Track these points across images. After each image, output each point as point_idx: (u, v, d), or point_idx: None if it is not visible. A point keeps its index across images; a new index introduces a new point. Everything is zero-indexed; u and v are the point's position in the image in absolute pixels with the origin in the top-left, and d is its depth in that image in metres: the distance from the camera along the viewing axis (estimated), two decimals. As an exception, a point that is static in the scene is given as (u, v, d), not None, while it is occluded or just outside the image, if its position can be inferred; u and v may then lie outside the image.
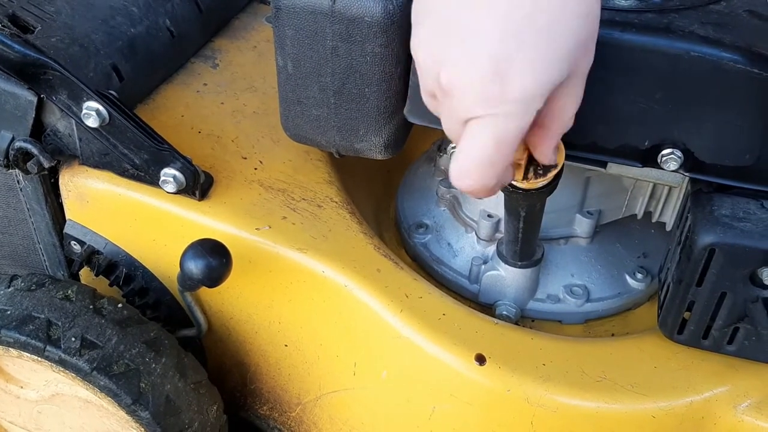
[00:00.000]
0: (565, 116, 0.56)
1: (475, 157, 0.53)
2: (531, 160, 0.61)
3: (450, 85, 0.52)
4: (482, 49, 0.50)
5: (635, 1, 0.64)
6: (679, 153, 0.66)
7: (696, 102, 0.63)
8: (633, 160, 0.68)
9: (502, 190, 0.66)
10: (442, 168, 0.94)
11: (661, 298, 0.74)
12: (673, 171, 0.67)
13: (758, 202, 0.66)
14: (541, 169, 0.61)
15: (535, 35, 0.50)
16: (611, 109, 0.65)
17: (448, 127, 0.57)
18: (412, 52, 0.57)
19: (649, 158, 0.67)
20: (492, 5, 0.50)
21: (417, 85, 0.65)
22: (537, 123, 0.56)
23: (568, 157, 0.65)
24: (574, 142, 0.67)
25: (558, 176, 0.62)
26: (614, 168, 0.70)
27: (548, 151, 0.59)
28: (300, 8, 0.70)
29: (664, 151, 0.66)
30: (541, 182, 0.61)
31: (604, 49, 0.62)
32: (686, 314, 0.70)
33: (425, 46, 0.55)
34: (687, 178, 0.70)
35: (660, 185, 0.79)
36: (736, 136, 0.64)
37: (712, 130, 0.64)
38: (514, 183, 0.62)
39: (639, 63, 0.62)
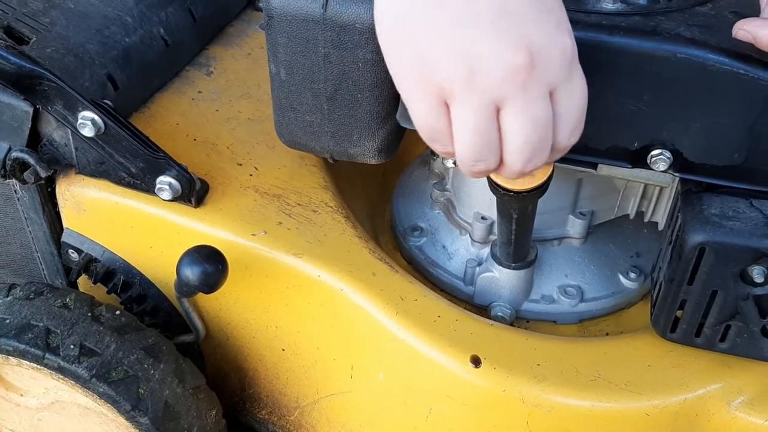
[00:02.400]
0: None
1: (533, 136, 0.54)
2: None
3: (530, 55, 0.51)
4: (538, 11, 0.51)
5: (622, 4, 0.65)
6: (668, 153, 0.67)
7: (683, 103, 0.64)
8: (623, 161, 0.69)
9: (493, 193, 0.66)
10: (437, 171, 0.95)
11: (654, 297, 0.74)
12: (662, 171, 0.68)
13: (747, 200, 0.67)
14: None
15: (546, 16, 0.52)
16: (600, 111, 0.66)
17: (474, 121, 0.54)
18: (417, 48, 0.53)
19: (638, 159, 0.68)
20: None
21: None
22: None
23: (559, 159, 0.66)
24: (565, 144, 0.67)
25: (549, 179, 0.63)
26: (605, 169, 0.71)
27: None
28: (292, 16, 0.71)
29: (654, 152, 0.67)
30: (531, 185, 0.62)
31: (591, 52, 0.63)
32: (679, 313, 0.71)
33: (443, 41, 0.52)
34: (677, 178, 0.71)
35: (651, 185, 0.80)
36: (723, 135, 0.65)
37: (700, 130, 0.65)
38: (505, 186, 0.63)
39: (626, 65, 0.63)
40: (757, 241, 0.64)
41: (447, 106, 0.54)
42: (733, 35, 0.60)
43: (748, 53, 0.61)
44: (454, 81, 0.52)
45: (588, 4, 0.65)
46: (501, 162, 0.57)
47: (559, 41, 0.52)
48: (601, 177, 0.74)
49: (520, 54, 0.50)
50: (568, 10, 0.65)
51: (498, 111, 0.53)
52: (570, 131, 0.56)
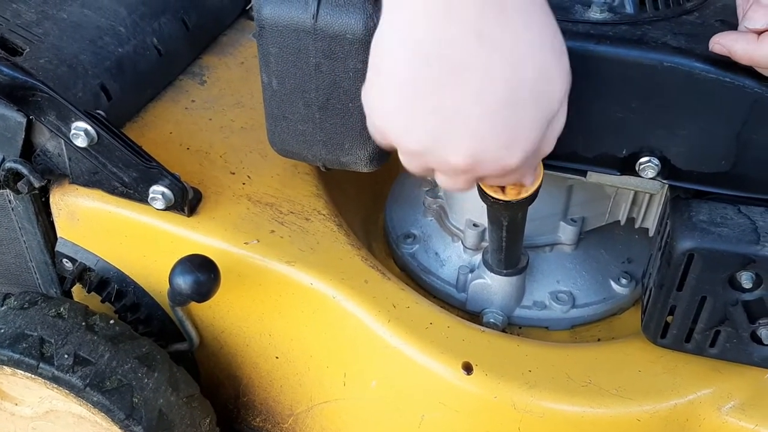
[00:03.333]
0: (550, 144, 0.58)
1: None
2: None
3: (470, 162, 0.53)
4: (493, 128, 0.52)
5: (609, 13, 0.66)
6: (656, 161, 0.67)
7: (671, 111, 0.64)
8: (612, 168, 0.69)
9: (483, 201, 0.67)
10: (429, 179, 0.96)
11: (644, 302, 0.75)
12: (650, 179, 0.68)
13: (735, 207, 0.68)
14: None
15: (527, 102, 0.52)
16: (589, 120, 0.67)
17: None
18: (394, 139, 0.55)
19: (627, 166, 0.69)
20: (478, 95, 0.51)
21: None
22: None
23: (548, 167, 0.66)
24: (554, 152, 0.68)
25: (537, 189, 0.64)
26: (594, 176, 0.72)
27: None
28: (283, 26, 0.71)
29: (642, 159, 0.68)
30: (520, 195, 0.63)
31: (579, 61, 0.63)
32: (669, 318, 0.71)
33: (420, 131, 0.53)
34: (666, 185, 0.72)
35: (641, 192, 0.80)
36: (710, 143, 0.65)
37: (687, 137, 0.65)
38: (493, 195, 0.63)
39: (614, 74, 0.64)
40: (745, 247, 0.65)
41: None
42: (709, 49, 0.61)
43: (733, 61, 0.61)
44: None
45: (576, 14, 0.66)
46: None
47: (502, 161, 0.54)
48: (591, 184, 0.75)
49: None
50: (556, 20, 0.66)
51: None
52: None
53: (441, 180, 0.58)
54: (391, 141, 0.56)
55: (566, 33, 0.63)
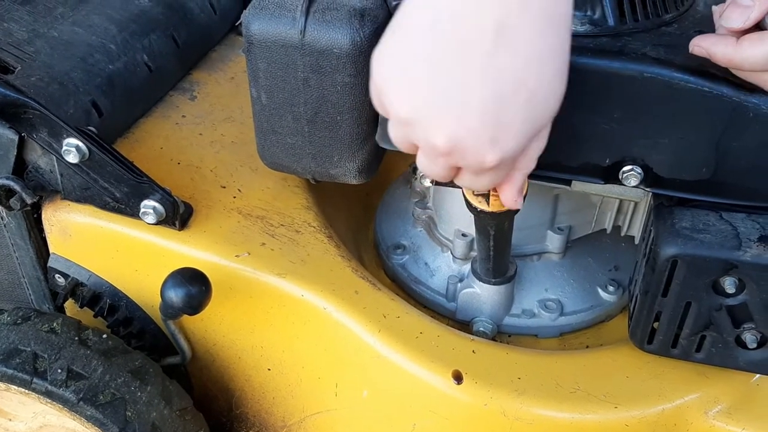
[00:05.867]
0: (531, 161, 0.59)
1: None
2: None
3: (451, 146, 0.53)
4: (481, 119, 0.52)
5: (590, 26, 0.67)
6: (638, 169, 0.68)
7: (652, 120, 0.66)
8: (595, 177, 0.70)
9: (470, 211, 0.68)
10: (418, 190, 0.97)
11: (631, 309, 0.76)
12: (634, 187, 0.69)
13: (717, 213, 0.69)
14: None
15: (520, 108, 0.52)
16: (572, 130, 0.68)
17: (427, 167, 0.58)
18: (395, 107, 0.54)
19: (610, 175, 0.70)
20: (480, 80, 0.51)
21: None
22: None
23: (533, 176, 0.67)
24: (539, 162, 0.69)
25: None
26: (578, 185, 0.73)
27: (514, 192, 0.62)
28: (271, 42, 0.73)
29: (625, 168, 0.69)
30: (503, 207, 0.64)
31: (561, 72, 0.65)
32: (655, 324, 0.72)
33: (413, 98, 0.53)
34: (650, 193, 0.73)
35: (626, 200, 0.81)
36: (691, 151, 0.66)
37: (668, 146, 0.67)
38: (478, 206, 0.64)
39: (596, 85, 0.65)
40: (727, 252, 0.66)
41: None
42: (689, 51, 0.62)
43: (712, 71, 0.63)
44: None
45: (558, 26, 0.67)
46: None
47: (484, 149, 0.53)
48: (577, 193, 0.76)
49: (439, 135, 0.53)
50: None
51: None
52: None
53: (421, 162, 0.58)
54: (384, 103, 0.55)
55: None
